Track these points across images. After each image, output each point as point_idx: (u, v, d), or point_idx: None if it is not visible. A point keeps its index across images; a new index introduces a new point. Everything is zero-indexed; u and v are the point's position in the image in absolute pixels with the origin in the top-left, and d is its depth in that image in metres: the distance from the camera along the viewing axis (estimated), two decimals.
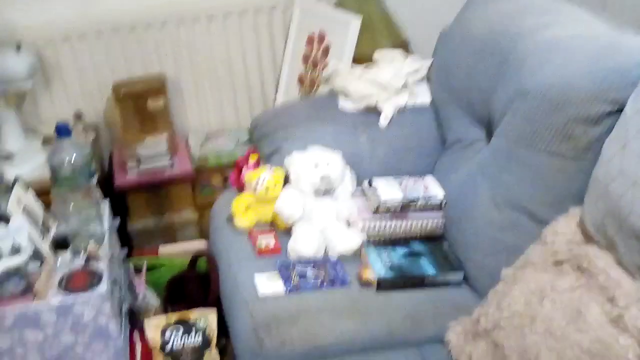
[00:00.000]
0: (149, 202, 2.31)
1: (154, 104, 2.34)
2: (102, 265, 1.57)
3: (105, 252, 1.61)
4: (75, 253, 1.60)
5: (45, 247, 1.56)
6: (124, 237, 2.27)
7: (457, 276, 1.63)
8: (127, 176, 2.28)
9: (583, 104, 1.39)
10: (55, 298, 1.49)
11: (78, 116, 2.35)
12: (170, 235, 2.33)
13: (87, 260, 1.58)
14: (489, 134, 1.70)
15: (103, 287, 1.51)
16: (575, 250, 1.32)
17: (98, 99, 2.47)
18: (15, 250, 1.46)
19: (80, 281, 1.53)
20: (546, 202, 1.47)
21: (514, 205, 1.52)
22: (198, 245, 2.14)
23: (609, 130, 1.34)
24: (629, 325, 1.15)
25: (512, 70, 1.57)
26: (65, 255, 1.58)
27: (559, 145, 1.43)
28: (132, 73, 2.43)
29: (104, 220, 1.73)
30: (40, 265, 1.54)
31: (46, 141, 2.26)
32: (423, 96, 1.98)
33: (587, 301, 1.23)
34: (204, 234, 2.31)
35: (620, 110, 1.33)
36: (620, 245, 1.24)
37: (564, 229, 1.38)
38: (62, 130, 1.67)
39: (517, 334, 1.29)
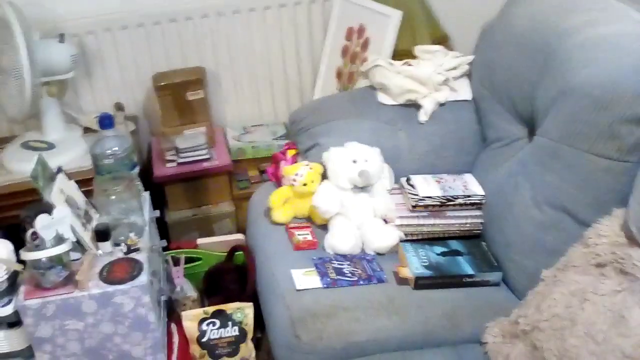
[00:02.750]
0: (186, 194, 2.33)
1: (193, 96, 2.35)
2: (142, 257, 1.59)
3: (145, 244, 1.63)
4: (116, 244, 1.62)
5: (87, 237, 1.59)
6: (162, 228, 2.29)
7: (495, 276, 1.61)
8: (166, 168, 2.30)
9: (629, 103, 1.36)
10: (96, 288, 1.51)
11: (119, 107, 2.38)
12: (207, 227, 2.35)
13: (128, 251, 1.60)
14: (531, 132, 1.68)
15: (143, 278, 1.53)
16: (618, 253, 1.30)
17: (138, 91, 2.49)
18: (58, 240, 1.48)
19: (120, 272, 1.55)
20: (589, 203, 1.44)
21: (556, 205, 1.50)
22: (236, 238, 2.15)
23: None
24: None
25: (557, 67, 1.55)
26: (107, 246, 1.61)
27: (604, 146, 1.41)
28: (171, 65, 2.45)
29: (145, 211, 1.74)
30: (82, 255, 1.57)
31: (87, 131, 2.29)
32: (463, 92, 1.96)
33: (630, 305, 1.21)
34: (240, 226, 2.32)
35: None
36: None
37: (606, 231, 1.35)
38: (105, 121, 1.70)
39: (557, 337, 1.27)
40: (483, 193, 1.73)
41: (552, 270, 1.41)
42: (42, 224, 1.45)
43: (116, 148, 1.67)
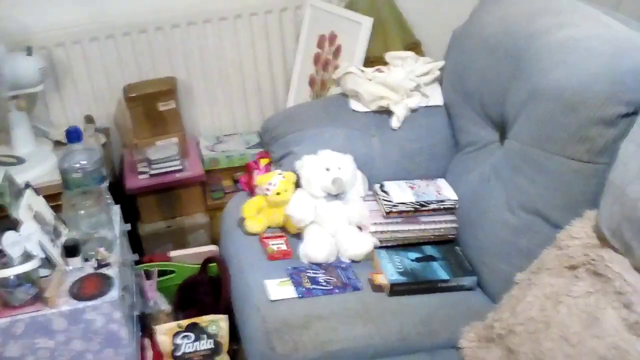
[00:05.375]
0: (159, 206, 2.30)
1: (164, 106, 2.33)
2: (113, 271, 1.56)
3: (116, 258, 1.61)
4: (86, 259, 1.59)
5: (56, 253, 1.56)
6: (135, 241, 2.27)
7: (470, 281, 1.61)
8: (138, 179, 2.27)
9: (598, 105, 1.36)
10: (66, 305, 1.48)
11: (89, 119, 2.35)
12: (181, 239, 2.32)
13: (98, 266, 1.58)
14: (503, 136, 1.68)
15: (114, 293, 1.51)
16: (590, 255, 1.30)
17: (109, 102, 2.47)
18: (26, 257, 1.45)
19: (91, 287, 1.52)
20: (561, 206, 1.45)
21: (528, 208, 1.50)
22: (209, 249, 2.13)
23: (625, 132, 1.31)
24: None
25: (526, 71, 1.55)
26: (76, 262, 1.58)
27: (574, 148, 1.41)
28: (143, 76, 2.43)
29: (115, 225, 1.72)
30: (51, 271, 1.54)
31: (57, 145, 2.26)
32: (435, 98, 1.96)
33: (603, 307, 1.21)
34: (214, 237, 2.30)
35: (636, 112, 1.31)
36: (637, 250, 1.21)
37: (579, 233, 1.35)
38: (73, 135, 1.67)
39: (532, 340, 1.27)
40: (456, 198, 1.73)
41: (526, 273, 1.40)
42: (9, 241, 1.43)
43: (84, 162, 1.65)
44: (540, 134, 1.48)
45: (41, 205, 1.64)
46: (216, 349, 1.71)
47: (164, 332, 1.72)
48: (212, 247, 2.14)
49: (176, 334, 1.72)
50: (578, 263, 1.31)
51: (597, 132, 1.38)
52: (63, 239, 1.61)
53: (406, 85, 1.94)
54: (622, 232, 1.25)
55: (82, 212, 1.61)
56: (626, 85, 1.34)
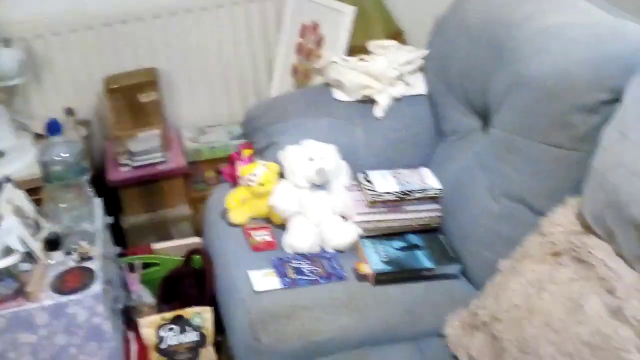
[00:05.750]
0: (142, 198, 2.28)
1: (145, 98, 2.31)
2: (95, 265, 1.55)
3: (98, 251, 1.59)
4: (68, 253, 1.58)
5: (37, 247, 1.54)
6: (118, 233, 2.25)
7: (454, 269, 1.61)
8: (120, 172, 2.26)
9: (580, 92, 1.37)
10: (48, 299, 1.47)
11: (69, 112, 2.32)
12: (165, 231, 2.31)
13: (80, 259, 1.56)
14: (486, 124, 1.68)
15: (96, 287, 1.49)
16: (573, 241, 1.31)
17: (90, 94, 2.44)
18: (7, 252, 1.44)
19: (73, 281, 1.51)
20: (544, 193, 1.45)
21: (512, 196, 1.51)
22: (192, 241, 2.12)
23: (607, 119, 1.32)
24: (628, 316, 1.14)
25: (509, 59, 1.55)
26: (58, 255, 1.56)
27: (557, 135, 1.41)
28: (123, 67, 2.40)
29: (97, 218, 1.70)
30: (33, 266, 1.52)
31: (37, 138, 2.23)
32: (418, 87, 1.95)
33: (586, 293, 1.22)
34: (198, 229, 2.29)
35: (618, 99, 1.31)
36: (619, 236, 1.22)
37: (562, 220, 1.36)
38: (53, 127, 1.65)
39: (516, 327, 1.27)
40: (440, 186, 1.73)
41: (510, 260, 1.41)
42: None
43: (65, 154, 1.63)
44: (523, 122, 1.48)
45: (21, 199, 1.62)
46: (201, 341, 1.70)
47: (148, 325, 1.71)
48: (196, 239, 2.13)
49: (160, 327, 1.71)
50: (561, 250, 1.31)
51: (579, 119, 1.38)
52: (44, 233, 1.59)
53: (389, 74, 1.93)
54: (604, 219, 1.26)
55: (63, 205, 1.59)
56: (607, 72, 1.34)
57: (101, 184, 2.19)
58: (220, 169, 2.17)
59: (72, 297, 1.48)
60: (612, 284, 1.19)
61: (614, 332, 1.13)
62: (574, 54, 1.40)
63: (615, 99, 1.32)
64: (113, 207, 2.22)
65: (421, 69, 1.99)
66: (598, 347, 1.13)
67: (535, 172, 1.46)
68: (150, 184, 2.27)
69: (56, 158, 1.63)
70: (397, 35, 2.36)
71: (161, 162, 2.26)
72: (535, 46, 1.49)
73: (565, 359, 1.15)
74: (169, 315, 1.72)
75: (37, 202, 1.67)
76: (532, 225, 1.40)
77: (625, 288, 1.18)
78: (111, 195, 2.23)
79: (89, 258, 1.56)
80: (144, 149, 2.24)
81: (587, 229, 1.31)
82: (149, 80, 2.30)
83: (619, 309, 1.15)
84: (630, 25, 1.42)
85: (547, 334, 1.21)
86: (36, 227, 1.59)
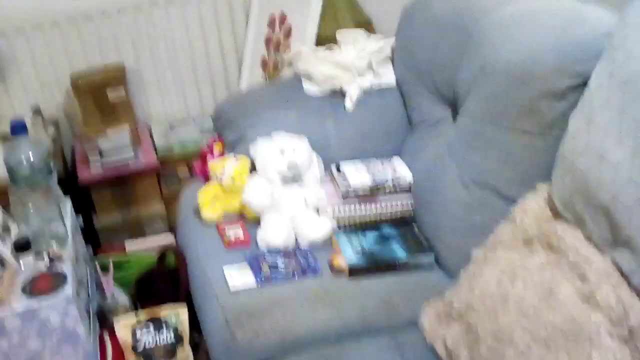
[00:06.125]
0: (114, 197, 2.26)
1: (114, 94, 2.28)
2: (66, 267, 1.53)
3: (68, 253, 1.57)
4: (38, 255, 1.55)
5: (6, 251, 1.52)
6: (91, 233, 2.22)
7: (428, 259, 1.61)
8: (91, 171, 2.23)
9: (547, 78, 1.37)
10: (19, 303, 1.45)
11: (36, 111, 2.28)
12: (138, 229, 2.29)
13: (51, 262, 1.54)
14: (455, 113, 1.68)
15: (68, 289, 1.47)
16: (544, 228, 1.31)
17: (57, 92, 2.41)
18: None
19: (44, 284, 1.49)
20: (514, 180, 1.45)
21: (482, 184, 1.51)
22: (165, 239, 2.10)
23: (574, 104, 1.32)
24: (600, 302, 1.15)
25: (475, 47, 1.55)
26: (28, 258, 1.54)
27: (525, 122, 1.42)
28: (90, 64, 2.37)
29: (66, 219, 1.68)
30: (2, 270, 1.50)
31: (4, 139, 2.19)
32: (388, 76, 1.95)
33: (558, 279, 1.22)
34: (172, 227, 2.27)
35: (584, 84, 1.32)
36: (589, 221, 1.23)
37: (532, 207, 1.36)
38: (18, 128, 1.62)
39: (490, 315, 1.27)
40: (411, 176, 1.73)
41: (482, 249, 1.41)
42: None
43: (31, 155, 1.60)
44: (491, 110, 1.48)
45: None
46: (177, 341, 1.69)
47: (124, 326, 1.69)
48: (169, 237, 2.11)
49: (136, 328, 1.69)
50: (532, 237, 1.32)
51: (547, 105, 1.38)
52: (13, 236, 1.57)
53: (357, 63, 1.93)
54: (574, 204, 1.26)
55: (31, 207, 1.56)
56: (573, 57, 1.34)
57: (72, 184, 2.16)
58: (192, 164, 2.15)
59: (44, 300, 1.45)
60: (583, 270, 1.20)
61: (586, 317, 1.14)
62: (539, 40, 1.40)
63: (581, 85, 1.33)
64: (85, 207, 2.19)
65: (390, 59, 1.98)
66: (571, 332, 1.14)
67: (504, 160, 1.46)
68: (122, 183, 2.24)
69: (22, 159, 1.60)
70: (365, 24, 2.35)
71: (132, 160, 2.23)
72: (501, 33, 1.49)
73: (539, 345, 1.16)
74: (144, 315, 1.70)
75: (5, 205, 1.63)
76: (503, 213, 1.41)
77: (596, 273, 1.18)
78: (83, 195, 2.20)
79: (61, 260, 1.54)
80: (114, 147, 2.22)
81: (557, 215, 1.32)
82: (116, 76, 2.28)
83: (590, 295, 1.16)
84: (594, 9, 1.42)
85: (521, 321, 1.21)
86: (5, 231, 1.56)
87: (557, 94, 1.37)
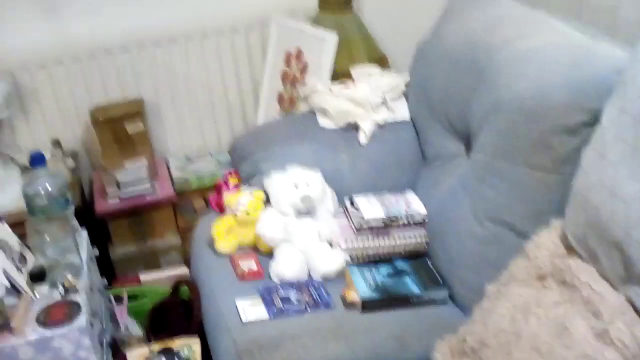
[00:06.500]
0: (130, 228, 2.28)
1: (132, 128, 2.31)
2: (80, 297, 1.54)
3: (83, 284, 1.58)
4: (53, 285, 1.57)
5: (22, 280, 1.53)
6: (107, 264, 2.24)
7: (441, 294, 1.60)
8: (108, 202, 2.25)
9: (559, 114, 1.38)
10: (33, 333, 1.46)
11: (56, 143, 2.32)
12: (154, 261, 2.30)
13: (65, 292, 1.55)
14: (469, 148, 1.69)
15: (82, 319, 1.48)
16: (558, 264, 1.30)
17: (76, 125, 2.45)
18: None
19: (58, 314, 1.50)
20: (527, 215, 1.45)
21: (496, 219, 1.51)
22: (180, 271, 2.11)
23: (586, 140, 1.32)
24: (614, 339, 1.13)
25: (488, 83, 1.56)
26: (43, 288, 1.55)
27: (537, 157, 1.42)
28: (110, 98, 2.41)
29: (82, 250, 1.69)
30: (17, 300, 1.51)
31: (24, 171, 2.23)
32: (402, 112, 1.97)
33: (572, 316, 1.21)
34: (187, 259, 2.28)
35: (596, 120, 1.32)
36: (602, 257, 1.22)
37: (546, 242, 1.36)
38: (37, 159, 1.66)
39: (504, 352, 1.26)
40: (425, 211, 1.73)
41: (496, 284, 1.40)
42: None
43: (49, 187, 1.62)
44: (504, 145, 1.48)
45: (5, 233, 1.61)
46: None
47: (136, 357, 1.69)
48: (185, 269, 2.12)
49: (149, 359, 1.69)
50: (546, 273, 1.31)
51: (559, 141, 1.39)
52: (29, 266, 1.58)
53: (372, 99, 1.95)
54: (587, 240, 1.26)
55: (48, 238, 1.58)
56: (584, 93, 1.35)
57: (90, 215, 2.19)
58: (208, 197, 2.17)
59: (58, 330, 1.46)
60: (597, 307, 1.19)
61: (600, 355, 1.13)
62: (551, 76, 1.41)
63: (593, 120, 1.33)
64: (101, 238, 2.21)
65: (404, 94, 2.00)
66: None
67: (517, 195, 1.46)
68: (138, 214, 2.26)
69: (39, 190, 1.62)
70: (380, 60, 2.38)
71: (149, 192, 2.26)
72: (513, 70, 1.50)
73: None
74: (157, 347, 1.70)
75: (22, 235, 1.66)
76: (517, 249, 1.40)
77: (609, 310, 1.17)
78: (99, 226, 2.23)
79: (75, 291, 1.55)
80: (132, 179, 2.24)
81: (571, 251, 1.31)
82: (135, 110, 2.31)
83: (604, 332, 1.15)
84: (605, 45, 1.43)
85: (534, 358, 1.20)
86: (21, 261, 1.58)
87: (569, 129, 1.37)
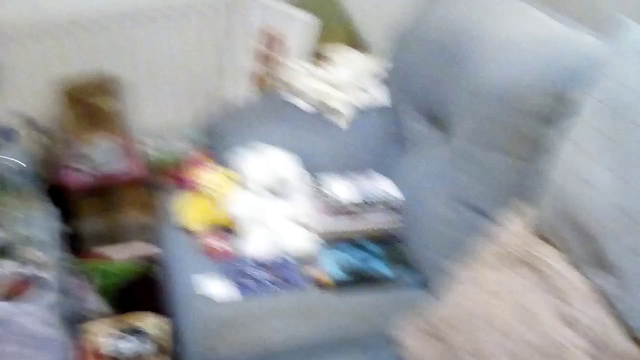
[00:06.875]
0: (99, 204, 2.25)
1: (103, 103, 2.28)
2: (46, 273, 1.51)
3: (50, 259, 1.56)
4: (19, 261, 1.53)
5: None
6: (74, 240, 2.20)
7: (412, 277, 1.61)
8: (77, 178, 2.21)
9: (532, 101, 1.38)
10: None
11: (27, 118, 2.27)
12: (122, 238, 2.27)
13: (32, 268, 1.52)
14: (446, 135, 1.69)
15: (48, 295, 1.46)
16: (527, 249, 1.32)
17: (47, 101, 2.39)
18: None
19: (24, 290, 1.48)
20: (500, 202, 1.45)
21: (469, 204, 1.52)
22: (149, 248, 2.09)
23: (560, 128, 1.33)
24: (581, 325, 1.15)
25: (464, 70, 1.57)
26: (9, 264, 1.52)
27: (511, 144, 1.43)
28: (81, 73, 2.36)
29: (50, 226, 1.66)
30: None
31: None
32: (379, 96, 1.96)
33: (539, 301, 1.23)
34: (157, 236, 2.26)
35: (570, 109, 1.33)
36: (574, 245, 1.23)
37: (516, 228, 1.37)
38: (6, 134, 1.62)
39: (471, 334, 1.27)
40: (399, 195, 1.73)
41: (466, 268, 1.41)
42: None
43: (16, 162, 1.59)
44: (481, 132, 1.49)
45: None
46: (156, 351, 1.67)
47: (102, 334, 1.67)
48: (152, 247, 2.10)
49: (114, 336, 1.68)
50: (516, 258, 1.32)
51: (532, 129, 1.39)
52: None
53: (351, 83, 1.94)
54: (559, 228, 1.27)
55: (14, 213, 1.55)
56: (559, 81, 1.36)
57: (58, 190, 2.15)
58: (179, 175, 2.14)
59: (23, 306, 1.44)
60: (566, 293, 1.20)
61: (566, 339, 1.14)
62: (525, 63, 1.42)
63: (566, 109, 1.34)
64: (70, 214, 2.18)
65: (384, 81, 1.99)
66: (550, 354, 1.14)
67: (491, 181, 1.47)
68: (107, 191, 2.24)
69: (9, 166, 1.59)
70: (359, 45, 2.36)
71: (119, 169, 2.23)
72: (488, 57, 1.51)
73: None
74: (123, 324, 1.68)
75: None
76: (488, 233, 1.41)
77: (578, 297, 1.19)
78: (68, 202, 2.19)
79: (40, 266, 1.53)
80: (102, 155, 2.21)
81: (543, 237, 1.32)
82: (106, 86, 2.28)
83: (573, 318, 1.16)
84: (583, 35, 1.44)
85: (501, 341, 1.21)
86: None
87: (542, 117, 1.38)
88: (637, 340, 1.11)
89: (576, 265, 1.23)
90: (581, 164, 1.22)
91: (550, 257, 1.27)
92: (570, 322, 1.16)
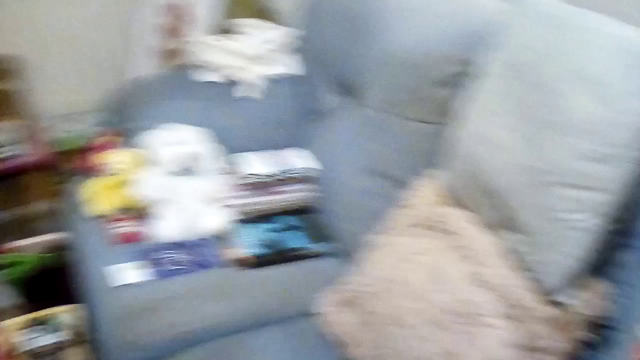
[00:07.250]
0: (3, 193, 2.14)
1: (3, 85, 2.16)
2: None
3: None
4: None
5: None
6: None
7: (328, 247, 1.61)
8: None
9: (437, 66, 1.39)
10: None
11: None
12: (29, 227, 2.18)
13: None
14: (358, 103, 1.67)
15: None
16: (437, 213, 1.34)
17: None
18: None
19: None
20: (409, 167, 1.47)
21: (381, 172, 1.52)
22: (57, 236, 2.00)
23: (463, 91, 1.34)
24: (487, 281, 1.17)
25: (372, 38, 1.56)
26: None
27: (416, 110, 1.44)
28: None
29: None
30: None
31: None
32: (289, 66, 1.93)
33: (452, 264, 1.24)
34: (64, 223, 2.17)
35: (474, 72, 1.33)
36: (483, 206, 1.25)
37: (424, 192, 1.39)
38: None
39: (386, 299, 1.28)
40: (314, 166, 1.71)
41: (379, 235, 1.42)
42: None
43: None
44: (388, 98, 1.50)
45: None
46: (69, 341, 1.61)
47: (11, 328, 1.60)
48: (60, 234, 2.01)
49: (26, 329, 1.61)
50: (425, 221, 1.34)
51: (435, 93, 1.41)
52: None
53: (259, 53, 1.90)
54: (467, 189, 1.29)
55: None
56: (461, 45, 1.37)
57: None
58: (87, 159, 2.06)
59: None
60: (479, 255, 1.22)
61: (473, 296, 1.17)
62: (429, 28, 1.43)
63: (469, 71, 1.34)
64: None
65: (295, 50, 1.96)
66: (460, 312, 1.17)
67: (399, 147, 1.48)
68: (10, 178, 2.13)
69: None
70: (267, 14, 2.32)
71: (21, 155, 2.12)
72: (396, 24, 1.50)
73: (429, 326, 1.17)
74: (34, 316, 1.61)
75: None
76: (403, 202, 1.41)
77: (491, 259, 1.21)
78: None
79: None
80: (2, 141, 2.10)
81: (450, 200, 1.34)
82: (5, 67, 2.16)
83: (485, 279, 1.18)
84: None
85: (413, 304, 1.22)
86: None
87: (445, 81, 1.40)
88: (548, 297, 1.13)
89: (488, 227, 1.25)
90: (488, 126, 1.23)
91: (462, 221, 1.29)
92: (483, 283, 1.18)
